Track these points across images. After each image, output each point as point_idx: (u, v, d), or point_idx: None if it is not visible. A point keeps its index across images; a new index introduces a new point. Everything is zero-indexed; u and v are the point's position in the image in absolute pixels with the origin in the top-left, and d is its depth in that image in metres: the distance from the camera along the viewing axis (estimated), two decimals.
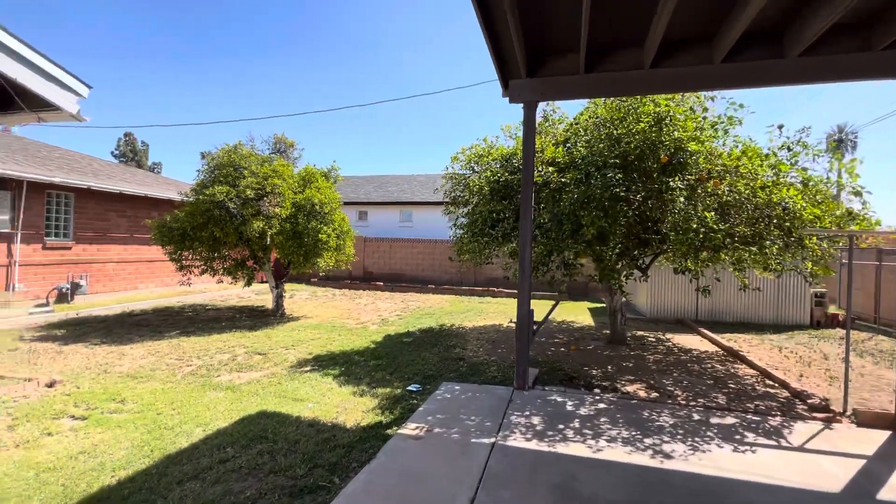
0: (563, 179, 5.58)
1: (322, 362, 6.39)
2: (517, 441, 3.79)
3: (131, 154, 45.51)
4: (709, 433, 4.00)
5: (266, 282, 10.15)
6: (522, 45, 4.59)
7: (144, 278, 12.82)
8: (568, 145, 6.71)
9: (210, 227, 8.85)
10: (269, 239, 9.05)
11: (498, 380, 5.66)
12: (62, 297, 10.43)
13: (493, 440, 3.80)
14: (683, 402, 4.87)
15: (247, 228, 8.71)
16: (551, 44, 4.80)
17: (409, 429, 4.01)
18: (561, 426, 4.12)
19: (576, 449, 3.66)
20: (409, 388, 5.31)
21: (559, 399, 4.87)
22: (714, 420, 4.33)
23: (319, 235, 9.30)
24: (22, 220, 9.69)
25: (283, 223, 9.17)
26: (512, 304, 13.07)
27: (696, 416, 4.41)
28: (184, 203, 9.40)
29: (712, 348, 7.89)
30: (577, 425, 4.15)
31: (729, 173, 5.71)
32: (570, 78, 4.88)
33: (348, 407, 4.66)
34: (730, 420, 4.34)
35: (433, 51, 67.84)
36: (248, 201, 8.77)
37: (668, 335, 8.97)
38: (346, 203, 20.71)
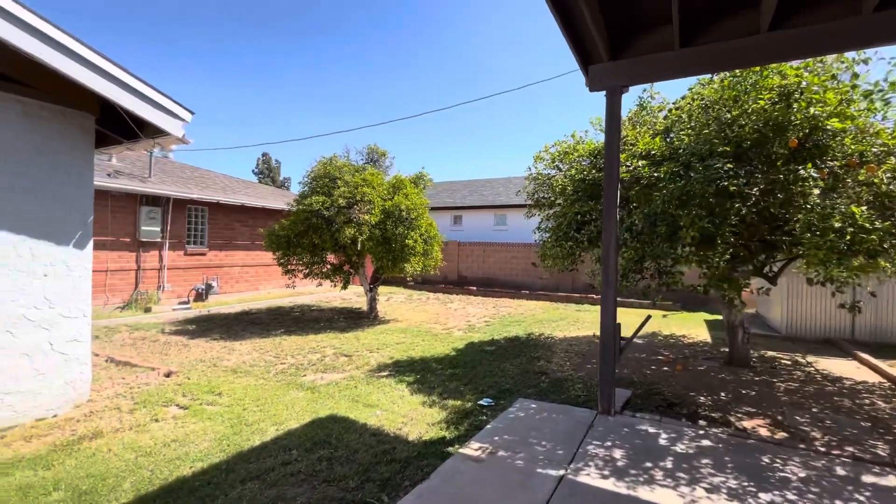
0: (655, 174, 4.81)
1: (400, 368, 6.42)
2: (590, 477, 3.28)
3: (267, 171, 52.01)
4: (858, 496, 3.05)
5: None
6: (602, 23, 4.06)
7: (263, 280, 14.43)
8: (671, 135, 5.83)
9: (310, 235, 9.57)
10: (359, 245, 9.48)
11: (581, 400, 5.09)
12: (198, 297, 12.19)
13: (561, 472, 3.35)
14: (823, 449, 3.83)
15: (340, 235, 9.22)
16: (637, 18, 4.18)
17: (472, 448, 3.74)
18: (648, 464, 3.49)
19: (663, 496, 3.04)
20: (481, 402, 5.03)
21: (651, 430, 4.17)
22: (868, 479, 3.30)
23: (406, 241, 9.49)
24: (169, 231, 11.56)
25: (372, 229, 9.54)
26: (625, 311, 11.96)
27: (840, 471, 3.41)
28: (289, 213, 10.31)
29: (874, 378, 6.23)
30: (668, 465, 3.48)
31: (892, 155, 4.41)
32: (661, 56, 4.19)
33: (415, 417, 4.54)
34: (894, 481, 3.28)
35: (528, 47, 66.35)
36: (341, 209, 9.29)
37: (811, 358, 7.34)
38: (441, 208, 21.16)
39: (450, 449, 3.82)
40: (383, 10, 61.94)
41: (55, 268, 4.43)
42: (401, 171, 12.01)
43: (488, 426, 4.22)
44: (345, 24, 64.04)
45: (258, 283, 14.30)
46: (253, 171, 52.11)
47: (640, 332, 9.24)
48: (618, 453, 3.68)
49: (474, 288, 17.02)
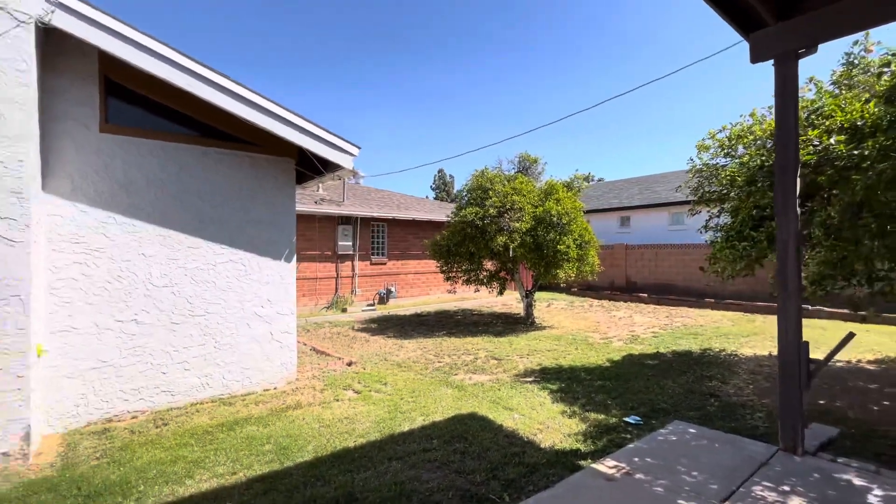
0: (855, 152, 3.68)
1: (546, 375, 6.37)
2: None
3: (442, 186, 56.93)
4: None
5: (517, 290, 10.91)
6: None
7: (432, 286, 15.96)
8: None
9: (466, 244, 10.25)
10: (511, 252, 9.71)
11: (759, 432, 4.26)
12: (381, 300, 14.22)
13: None
14: None
15: (493, 243, 9.63)
16: None
17: (606, 465, 3.54)
18: None
19: None
20: (628, 419, 4.66)
21: (857, 481, 3.25)
22: None
23: (558, 247, 9.32)
24: (358, 245, 13.84)
25: (523, 236, 9.67)
26: (829, 326, 9.40)
27: None
28: (449, 224, 11.23)
29: None
30: None
31: None
32: (848, 2, 3.28)
33: (551, 426, 4.51)
34: None
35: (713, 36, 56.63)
36: (493, 219, 9.70)
37: None
38: (606, 210, 19.90)
39: (582, 462, 3.70)
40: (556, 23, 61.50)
41: (272, 277, 5.90)
42: (553, 176, 11.85)
43: (630, 445, 3.92)
44: (510, 36, 65.86)
45: (428, 288, 15.88)
46: (430, 186, 57.68)
47: (878, 357, 7.05)
48: (796, 501, 3.00)
49: (645, 295, 15.45)
